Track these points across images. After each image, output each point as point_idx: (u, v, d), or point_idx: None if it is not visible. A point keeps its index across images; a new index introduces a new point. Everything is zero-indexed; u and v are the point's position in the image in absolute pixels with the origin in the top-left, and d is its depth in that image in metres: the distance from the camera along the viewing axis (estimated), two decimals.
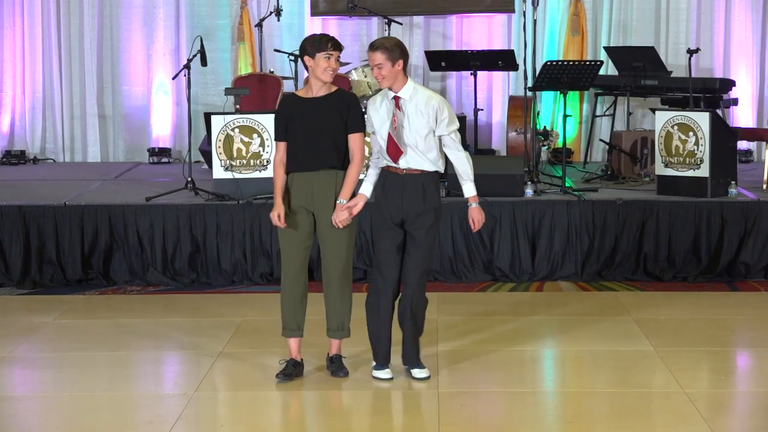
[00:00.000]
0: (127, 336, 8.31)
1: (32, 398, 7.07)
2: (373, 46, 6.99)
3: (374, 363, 7.26)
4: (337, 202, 7.02)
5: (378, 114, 7.07)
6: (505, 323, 8.56)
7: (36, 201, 10.08)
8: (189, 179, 10.27)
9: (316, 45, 7.00)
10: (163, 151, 13.03)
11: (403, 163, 7.00)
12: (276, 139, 7.16)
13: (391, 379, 7.19)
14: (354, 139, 7.08)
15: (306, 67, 7.12)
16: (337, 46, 7.03)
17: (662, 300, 9.27)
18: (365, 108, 7.44)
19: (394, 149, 7.00)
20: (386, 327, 7.19)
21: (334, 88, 7.10)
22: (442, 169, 7.11)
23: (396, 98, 7.01)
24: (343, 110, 7.05)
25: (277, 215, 7.05)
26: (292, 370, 7.24)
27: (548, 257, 9.89)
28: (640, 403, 6.81)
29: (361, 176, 7.14)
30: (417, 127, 6.97)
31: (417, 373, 7.21)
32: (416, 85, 7.06)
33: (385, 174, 7.09)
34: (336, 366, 7.30)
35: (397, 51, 6.95)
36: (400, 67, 6.96)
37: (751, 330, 8.49)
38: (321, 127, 7.02)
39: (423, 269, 7.09)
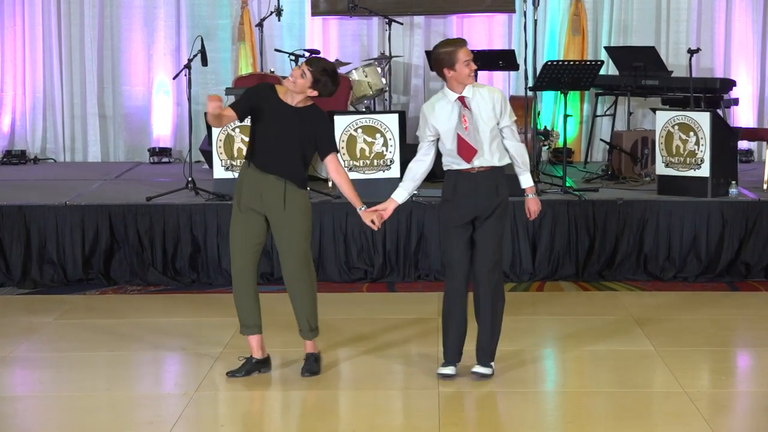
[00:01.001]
0: (127, 336, 8.31)
1: (32, 398, 7.07)
2: (466, 43, 7.04)
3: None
4: (359, 209, 7.05)
5: (440, 118, 7.05)
6: (506, 323, 8.51)
7: (36, 201, 10.08)
8: (189, 179, 10.27)
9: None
10: (164, 151, 13.03)
11: (476, 162, 7.01)
12: (232, 107, 7.04)
13: (451, 375, 7.15)
14: (330, 162, 7.10)
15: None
16: (311, 61, 7.00)
17: (663, 300, 9.27)
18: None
19: (467, 149, 6.98)
20: (453, 325, 7.16)
21: (309, 102, 7.08)
22: (508, 161, 7.12)
23: (461, 98, 7.01)
24: (317, 128, 7.05)
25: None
26: (251, 367, 7.26)
27: (549, 257, 9.89)
28: (641, 403, 6.81)
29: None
30: (486, 122, 7.00)
31: (478, 368, 7.18)
32: (472, 84, 7.08)
33: (454, 175, 7.06)
34: (305, 366, 7.30)
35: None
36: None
37: (752, 330, 8.49)
38: (293, 138, 7.01)
39: (495, 260, 7.07)
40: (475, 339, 7.19)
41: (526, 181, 7.18)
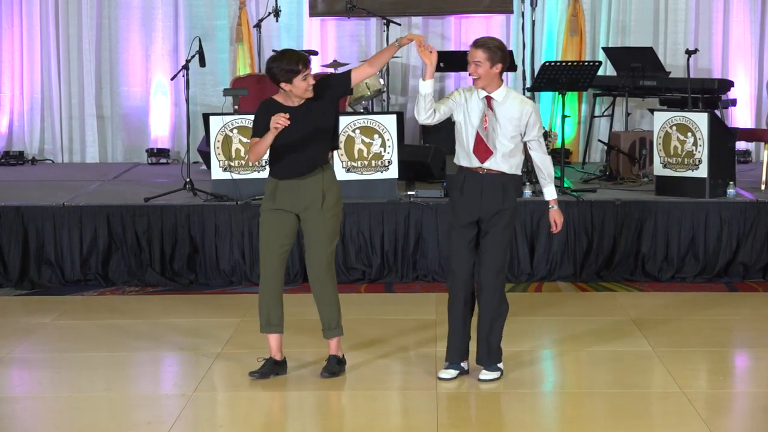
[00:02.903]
0: (125, 337, 8.30)
1: (30, 399, 7.06)
2: (476, 44, 6.97)
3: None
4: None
5: (466, 107, 7.04)
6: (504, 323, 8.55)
7: (34, 202, 10.07)
8: (187, 180, 10.27)
9: (288, 71, 6.97)
10: (162, 152, 13.03)
11: (488, 164, 7.01)
12: (252, 135, 7.09)
13: (452, 378, 7.16)
14: (354, 71, 7.18)
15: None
16: (307, 63, 7.00)
17: (660, 300, 9.27)
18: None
19: (483, 149, 7.00)
20: (460, 325, 7.16)
21: (309, 95, 7.09)
22: (520, 173, 7.15)
23: (488, 98, 6.99)
24: (326, 93, 7.09)
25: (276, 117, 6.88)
26: (270, 369, 7.26)
27: (547, 258, 9.89)
28: (639, 404, 6.81)
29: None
30: (506, 130, 6.98)
31: (485, 374, 7.17)
32: (509, 90, 7.06)
33: (464, 173, 7.07)
34: (326, 366, 7.31)
35: (498, 54, 6.95)
36: (498, 71, 6.96)
37: (750, 330, 8.50)
38: (307, 134, 7.02)
39: (499, 267, 7.06)
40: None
41: (549, 193, 7.19)
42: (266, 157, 7.18)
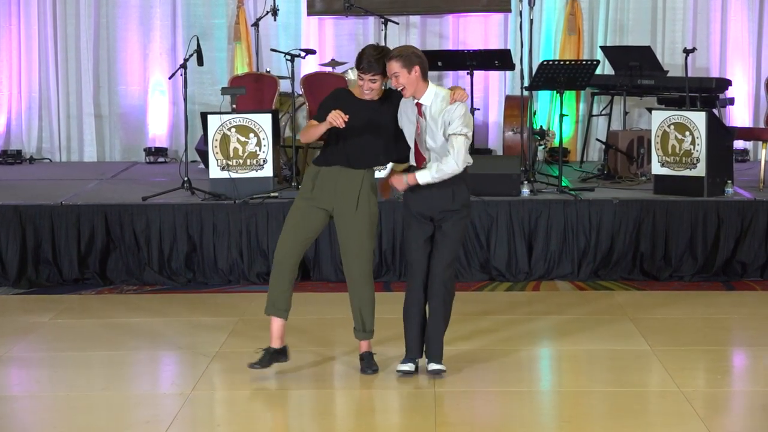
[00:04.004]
0: (123, 336, 8.30)
1: (28, 398, 7.06)
2: (389, 57, 6.96)
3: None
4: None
5: (406, 114, 7.10)
6: (502, 323, 8.56)
7: (32, 201, 10.07)
8: (185, 179, 10.27)
9: (357, 60, 7.02)
10: (160, 151, 13.02)
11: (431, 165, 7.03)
12: (313, 117, 7.10)
13: (410, 372, 7.20)
14: None
15: None
16: (370, 69, 6.96)
17: (659, 299, 9.27)
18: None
19: (419, 155, 7.06)
20: (413, 320, 7.22)
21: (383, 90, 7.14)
22: (461, 169, 7.05)
23: (418, 105, 7.02)
24: (395, 109, 7.12)
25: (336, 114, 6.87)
26: (270, 359, 7.25)
27: (545, 257, 9.89)
28: (637, 403, 6.81)
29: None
30: (437, 133, 6.99)
31: (434, 366, 7.20)
32: (437, 90, 7.04)
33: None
34: (365, 363, 7.34)
35: (412, 58, 6.94)
36: (418, 74, 6.94)
37: (748, 329, 8.50)
38: (368, 129, 7.04)
39: (449, 260, 7.11)
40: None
41: (420, 175, 6.98)
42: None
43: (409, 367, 7.23)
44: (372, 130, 7.06)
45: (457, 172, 6.96)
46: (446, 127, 6.95)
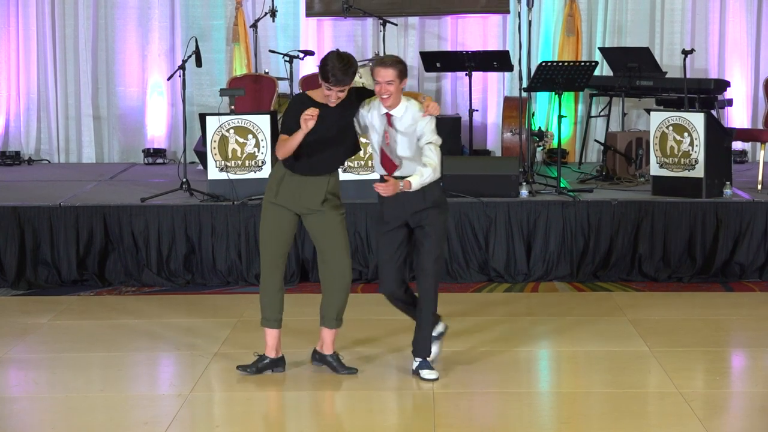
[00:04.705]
0: (122, 337, 8.30)
1: (27, 399, 7.06)
2: (386, 63, 6.98)
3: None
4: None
5: (370, 122, 7.13)
6: (501, 324, 8.56)
7: (31, 202, 10.07)
8: (184, 180, 10.27)
9: (323, 73, 6.93)
10: (158, 152, 13.02)
11: (398, 173, 7.06)
12: (282, 131, 7.05)
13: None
14: None
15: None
16: (339, 83, 6.91)
17: (657, 300, 9.27)
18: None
19: (389, 163, 7.08)
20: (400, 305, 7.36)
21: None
22: (439, 175, 7.11)
23: (388, 115, 7.06)
24: (355, 103, 7.13)
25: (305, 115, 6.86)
26: (264, 366, 7.31)
27: (543, 258, 9.90)
28: (636, 404, 6.82)
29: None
30: (411, 143, 7.06)
31: (426, 374, 7.22)
32: (408, 102, 7.10)
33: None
34: (338, 365, 7.37)
35: (405, 70, 7.04)
36: (404, 86, 7.06)
37: (746, 330, 8.50)
38: (331, 134, 7.05)
39: (437, 253, 7.16)
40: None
41: (413, 179, 6.99)
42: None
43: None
44: (336, 134, 7.07)
45: (436, 178, 7.06)
46: (419, 137, 7.04)
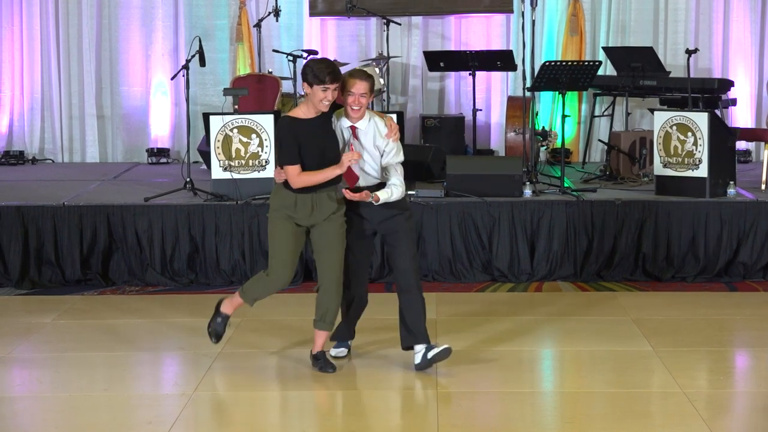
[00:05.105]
0: (125, 336, 8.31)
1: (31, 398, 7.07)
2: (362, 76, 7.16)
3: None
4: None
5: (338, 134, 7.30)
6: (504, 323, 8.56)
7: (34, 201, 10.08)
8: (188, 179, 10.28)
9: (316, 77, 7.03)
10: (162, 152, 13.03)
11: (362, 182, 7.26)
12: (290, 163, 7.14)
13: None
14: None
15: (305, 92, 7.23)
16: (336, 79, 7.07)
17: (661, 300, 9.27)
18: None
19: (352, 176, 7.23)
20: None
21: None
22: (404, 193, 7.36)
23: (353, 128, 7.21)
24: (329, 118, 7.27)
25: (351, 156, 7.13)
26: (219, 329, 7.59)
27: (547, 257, 9.89)
28: (639, 404, 6.81)
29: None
30: (371, 156, 7.25)
31: (433, 351, 7.37)
32: (372, 115, 7.27)
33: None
34: (321, 363, 7.44)
35: (374, 85, 7.26)
36: (372, 100, 7.35)
37: (750, 330, 8.50)
38: (325, 149, 7.17)
39: (413, 252, 7.37)
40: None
41: (382, 193, 7.20)
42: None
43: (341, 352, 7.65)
44: (329, 149, 7.19)
45: (402, 197, 7.29)
46: (383, 153, 7.24)
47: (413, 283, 7.34)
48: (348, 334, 7.70)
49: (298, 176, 7.11)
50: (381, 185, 7.25)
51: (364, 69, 7.30)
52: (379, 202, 7.17)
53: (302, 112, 7.19)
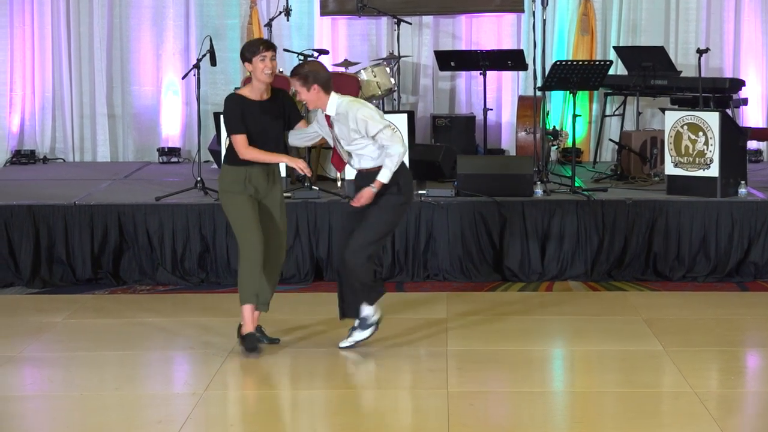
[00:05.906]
0: (136, 335, 8.32)
1: (42, 398, 7.08)
2: (291, 74, 7.52)
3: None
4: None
5: (319, 124, 7.64)
6: (515, 323, 8.56)
7: (46, 201, 10.09)
8: (198, 179, 10.29)
9: (250, 50, 7.52)
10: (173, 151, 13.04)
11: (356, 164, 7.52)
12: (237, 132, 7.50)
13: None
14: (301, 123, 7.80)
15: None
16: (270, 47, 7.55)
17: (672, 300, 9.26)
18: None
19: (339, 161, 7.66)
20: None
21: (271, 89, 7.64)
22: (403, 150, 7.46)
23: (327, 117, 7.51)
24: (285, 109, 7.65)
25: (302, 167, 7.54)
26: (257, 344, 7.66)
27: (558, 257, 9.88)
28: (650, 403, 6.80)
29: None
30: (350, 138, 7.46)
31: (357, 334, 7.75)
32: (340, 99, 7.49)
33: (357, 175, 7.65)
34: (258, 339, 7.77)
35: (309, 77, 7.45)
36: (317, 91, 7.43)
37: (761, 330, 8.49)
38: (269, 130, 7.55)
39: (360, 243, 7.49)
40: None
41: (381, 175, 7.41)
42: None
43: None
44: (274, 127, 7.58)
45: (403, 151, 7.42)
46: (363, 131, 7.41)
47: (343, 263, 7.54)
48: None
49: (245, 147, 7.48)
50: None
51: (294, 67, 7.65)
52: (385, 182, 7.38)
53: (247, 92, 7.59)
